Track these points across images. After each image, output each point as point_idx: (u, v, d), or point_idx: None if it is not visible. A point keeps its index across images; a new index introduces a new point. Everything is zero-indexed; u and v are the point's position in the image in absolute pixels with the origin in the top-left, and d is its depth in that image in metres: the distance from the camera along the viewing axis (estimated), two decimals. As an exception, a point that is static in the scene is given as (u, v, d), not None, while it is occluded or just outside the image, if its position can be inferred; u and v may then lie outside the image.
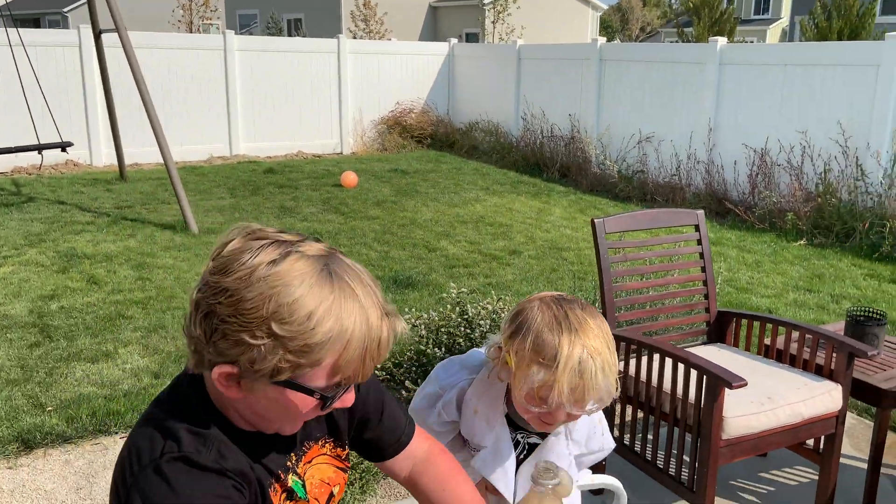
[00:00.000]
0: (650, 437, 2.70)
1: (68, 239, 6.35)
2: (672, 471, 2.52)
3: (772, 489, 2.88)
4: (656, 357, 2.54)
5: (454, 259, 6.05)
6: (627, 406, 2.70)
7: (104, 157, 10.07)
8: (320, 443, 1.15)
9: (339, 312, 0.91)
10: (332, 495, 1.16)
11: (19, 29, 8.16)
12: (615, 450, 2.72)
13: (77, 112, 9.88)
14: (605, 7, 33.42)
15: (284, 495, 1.06)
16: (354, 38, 20.02)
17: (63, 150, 7.13)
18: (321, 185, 9.08)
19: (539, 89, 11.26)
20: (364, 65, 12.20)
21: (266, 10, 29.53)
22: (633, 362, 2.68)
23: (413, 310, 3.77)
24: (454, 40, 13.29)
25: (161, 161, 7.38)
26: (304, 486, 1.09)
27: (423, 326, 3.47)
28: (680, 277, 3.01)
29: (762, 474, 2.98)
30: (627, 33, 48.54)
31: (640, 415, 2.64)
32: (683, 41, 16.34)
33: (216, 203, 7.98)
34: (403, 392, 3.20)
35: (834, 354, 2.57)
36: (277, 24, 27.92)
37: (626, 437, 2.69)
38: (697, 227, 2.96)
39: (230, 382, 0.94)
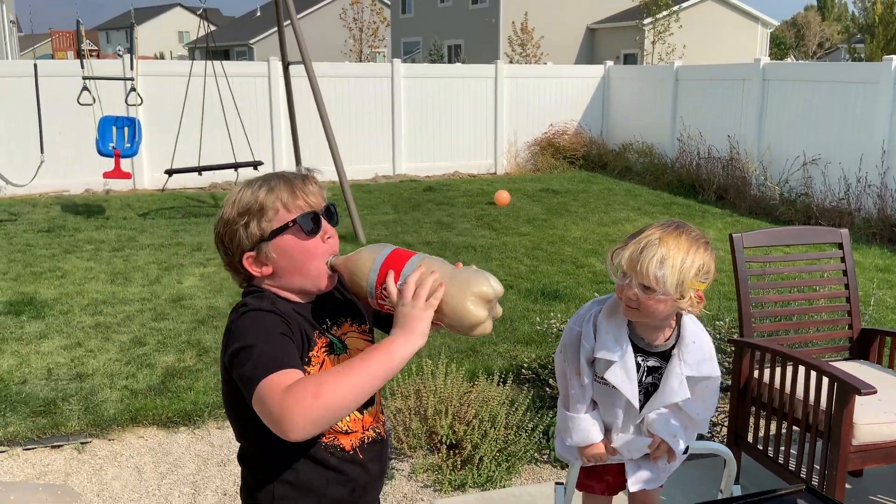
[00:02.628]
0: (782, 444, 2.82)
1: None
2: (804, 474, 2.63)
3: (915, 508, 2.88)
4: (789, 365, 2.67)
5: (602, 275, 6.25)
6: (762, 412, 2.84)
7: (285, 175, 11.21)
8: (348, 322, 1.57)
9: (258, 185, 1.49)
10: None
11: (223, 62, 9.37)
12: (749, 454, 2.87)
13: (264, 134, 11.10)
14: (776, 23, 31.82)
15: (325, 349, 1.49)
16: (511, 62, 20.61)
17: (255, 168, 8.12)
18: (475, 203, 9.58)
19: (696, 110, 11.14)
20: (519, 88, 12.65)
21: (428, 38, 31.02)
22: (766, 371, 2.81)
23: (560, 316, 4.07)
24: (610, 63, 13.43)
25: (334, 179, 8.17)
26: (341, 343, 1.52)
27: (567, 331, 3.76)
28: (821, 294, 3.09)
29: (906, 494, 2.98)
30: (803, 50, 45.44)
31: (774, 424, 2.77)
32: (854, 59, 15.40)
33: (381, 217, 8.69)
34: (548, 389, 3.50)
35: (980, 374, 2.57)
36: (439, 50, 29.25)
37: (760, 443, 2.83)
38: (841, 245, 3.04)
39: (258, 262, 1.46)
